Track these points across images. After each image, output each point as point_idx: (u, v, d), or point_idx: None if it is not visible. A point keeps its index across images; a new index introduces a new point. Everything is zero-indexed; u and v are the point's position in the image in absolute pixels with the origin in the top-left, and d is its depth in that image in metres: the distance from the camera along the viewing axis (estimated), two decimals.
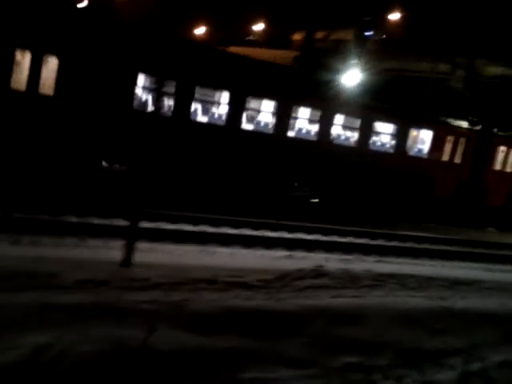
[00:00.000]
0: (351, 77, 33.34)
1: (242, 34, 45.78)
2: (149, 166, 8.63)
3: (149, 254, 9.20)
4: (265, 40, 45.50)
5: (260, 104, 17.27)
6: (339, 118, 18.30)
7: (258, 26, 45.77)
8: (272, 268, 9.79)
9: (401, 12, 36.73)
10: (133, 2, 40.70)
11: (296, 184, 17.97)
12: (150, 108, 14.93)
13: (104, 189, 13.43)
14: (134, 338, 4.86)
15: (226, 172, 16.14)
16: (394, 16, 37.37)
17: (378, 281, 10.32)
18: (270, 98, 16.83)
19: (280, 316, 7.44)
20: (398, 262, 13.03)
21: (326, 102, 17.81)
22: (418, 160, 19.82)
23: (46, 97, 13.08)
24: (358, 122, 18.62)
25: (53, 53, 13.18)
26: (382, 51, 37.06)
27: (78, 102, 13.47)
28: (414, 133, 20.02)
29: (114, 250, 8.64)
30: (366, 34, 39.24)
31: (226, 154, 15.94)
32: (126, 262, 8.09)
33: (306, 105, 17.71)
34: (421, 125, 20.01)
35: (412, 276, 11.16)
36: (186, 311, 6.30)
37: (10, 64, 12.51)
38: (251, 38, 47.66)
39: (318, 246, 12.94)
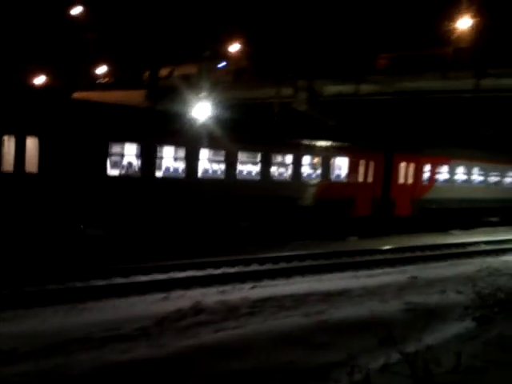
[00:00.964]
0: (202, 110, 33.80)
1: (88, 78, 44.75)
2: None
3: (13, 322, 8.51)
4: (115, 81, 44.89)
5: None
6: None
7: (102, 69, 45.04)
8: (149, 313, 9.49)
9: (242, 43, 38.08)
10: None
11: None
12: None
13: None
14: None
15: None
16: (235, 47, 38.64)
17: (256, 307, 10.40)
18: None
19: (163, 362, 7.21)
20: (273, 284, 13.25)
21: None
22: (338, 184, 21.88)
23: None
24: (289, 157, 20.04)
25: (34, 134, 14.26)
26: (231, 82, 38.10)
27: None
28: (332, 160, 21.92)
29: None
30: (219, 66, 40.20)
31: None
32: None
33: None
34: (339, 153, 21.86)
35: (288, 296, 11.39)
36: (59, 378, 5.87)
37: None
38: (101, 81, 46.74)
39: (193, 282, 12.79)
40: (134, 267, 13.43)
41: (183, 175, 17.83)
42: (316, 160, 21.21)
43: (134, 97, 35.43)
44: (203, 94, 34.60)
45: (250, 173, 19.66)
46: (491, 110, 32.32)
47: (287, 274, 14.31)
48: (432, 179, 24.97)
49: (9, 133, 13.96)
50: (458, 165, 25.93)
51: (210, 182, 18.34)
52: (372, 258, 17.36)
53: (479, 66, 27.94)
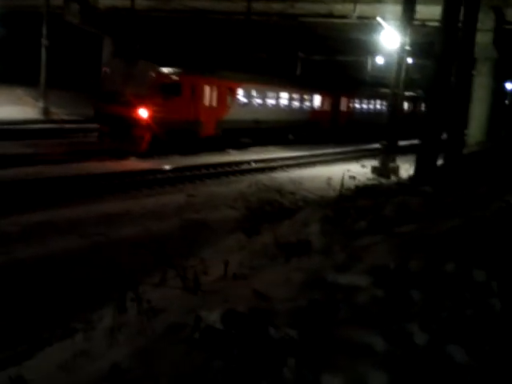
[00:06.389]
0: None
1: None
2: None
3: None
4: None
5: None
6: None
7: None
8: None
9: None
10: None
11: None
12: None
13: None
14: None
15: None
16: None
17: (28, 231, 9.96)
18: None
19: None
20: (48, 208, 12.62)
21: None
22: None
23: None
24: None
25: None
26: None
27: None
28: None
29: None
30: None
31: None
32: None
33: None
34: None
35: (65, 219, 11.05)
36: None
37: None
38: None
39: None
40: None
41: None
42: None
43: None
44: None
45: None
46: (263, 34, 33.74)
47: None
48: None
49: None
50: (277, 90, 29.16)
51: None
52: (153, 177, 17.46)
53: None
